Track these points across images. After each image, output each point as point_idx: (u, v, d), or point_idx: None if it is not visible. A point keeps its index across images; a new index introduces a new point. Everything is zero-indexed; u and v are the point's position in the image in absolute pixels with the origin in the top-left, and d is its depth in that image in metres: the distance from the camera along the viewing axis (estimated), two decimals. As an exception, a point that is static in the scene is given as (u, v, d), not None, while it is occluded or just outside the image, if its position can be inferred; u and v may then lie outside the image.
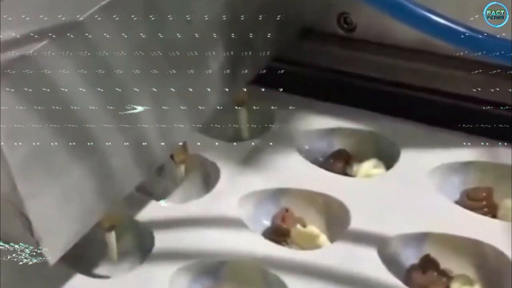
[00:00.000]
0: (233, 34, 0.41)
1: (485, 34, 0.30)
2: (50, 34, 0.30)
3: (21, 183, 0.30)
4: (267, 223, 0.41)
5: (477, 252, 0.37)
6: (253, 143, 0.46)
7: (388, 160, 0.43)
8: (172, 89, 0.38)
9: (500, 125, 0.43)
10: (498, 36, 0.30)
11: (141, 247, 0.40)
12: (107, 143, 0.34)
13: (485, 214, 0.39)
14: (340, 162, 0.44)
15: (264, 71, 0.46)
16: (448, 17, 0.29)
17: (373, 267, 0.36)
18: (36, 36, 0.31)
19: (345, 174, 0.44)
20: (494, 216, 0.40)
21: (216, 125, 0.45)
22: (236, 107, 0.47)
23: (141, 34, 0.34)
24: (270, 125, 0.47)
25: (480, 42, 0.30)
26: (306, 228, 0.40)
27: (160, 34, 0.36)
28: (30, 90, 0.30)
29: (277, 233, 0.40)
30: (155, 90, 0.36)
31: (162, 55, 0.36)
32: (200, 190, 0.44)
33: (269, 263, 0.37)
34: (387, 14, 0.29)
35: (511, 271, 0.35)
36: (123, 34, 0.33)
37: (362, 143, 0.45)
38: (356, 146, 0.45)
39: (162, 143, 0.38)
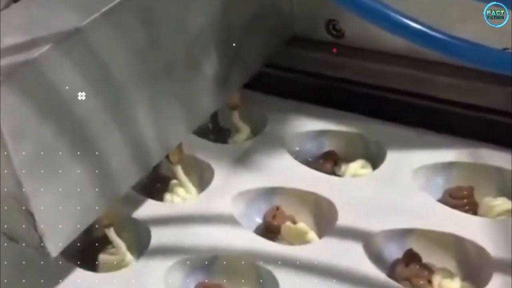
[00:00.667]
0: (226, 42, 0.43)
1: (463, 40, 0.32)
2: (53, 40, 0.32)
3: (25, 181, 0.32)
4: (259, 220, 0.43)
5: (458, 247, 0.39)
6: (246, 145, 0.47)
7: (375, 161, 0.45)
8: (168, 92, 0.39)
9: (481, 127, 0.45)
10: (477, 43, 0.32)
11: (138, 243, 0.42)
12: (106, 144, 0.36)
13: (466, 211, 0.41)
14: (329, 162, 0.46)
15: (256, 76, 0.48)
16: (425, 23, 0.31)
17: (359, 261, 0.38)
18: (39, 42, 0.32)
19: (334, 174, 0.45)
20: (475, 213, 0.41)
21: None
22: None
23: (139, 40, 0.36)
24: (263, 128, 0.48)
25: (456, 47, 0.31)
26: (296, 225, 0.42)
27: (156, 41, 0.37)
28: (34, 92, 0.31)
29: (268, 230, 0.42)
30: (152, 93, 0.38)
31: (159, 61, 0.38)
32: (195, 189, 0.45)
33: (261, 258, 0.39)
34: (367, 20, 0.31)
35: (490, 265, 0.37)
36: (122, 40, 0.35)
37: (350, 145, 0.47)
38: (345, 147, 0.47)
39: (159, 144, 0.40)
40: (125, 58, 0.35)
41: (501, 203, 0.41)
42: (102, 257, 0.41)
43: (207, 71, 0.42)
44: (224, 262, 0.39)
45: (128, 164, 0.38)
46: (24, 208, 0.32)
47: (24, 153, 0.31)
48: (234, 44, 0.44)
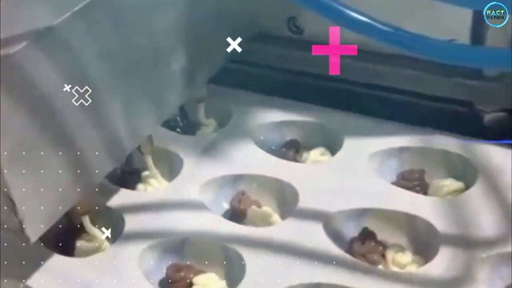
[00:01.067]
0: (193, 39, 0.45)
1: (409, 32, 0.35)
2: (28, 37, 0.34)
3: (6, 170, 0.33)
4: (226, 206, 0.45)
5: (409, 224, 0.42)
6: (212, 136, 0.50)
7: (333, 148, 0.48)
8: (138, 88, 0.41)
9: (430, 115, 0.48)
10: (423, 35, 0.35)
11: (113, 230, 0.44)
12: (82, 136, 0.38)
13: (417, 192, 0.44)
14: (291, 150, 0.49)
15: (221, 71, 0.50)
16: (373, 17, 0.34)
17: (319, 240, 0.41)
18: (15, 39, 0.34)
19: (296, 161, 0.48)
20: (425, 193, 0.45)
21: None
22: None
23: (110, 38, 0.38)
24: (228, 120, 0.51)
25: (403, 39, 0.34)
26: (261, 209, 0.44)
27: (126, 39, 0.39)
28: (11, 87, 0.33)
29: (236, 214, 0.44)
30: (124, 88, 0.40)
31: (129, 58, 0.40)
32: (165, 179, 0.48)
33: (228, 239, 0.41)
34: (322, 16, 0.34)
35: (437, 240, 0.40)
36: (94, 38, 0.37)
37: (311, 134, 0.50)
38: (305, 136, 0.50)
39: (130, 136, 0.42)
40: (98, 55, 0.37)
41: (449, 184, 0.44)
42: (79, 243, 0.43)
43: (174, 67, 0.44)
44: (194, 244, 0.42)
45: (102, 155, 0.40)
46: (5, 194, 0.34)
47: (4, 145, 0.33)
48: (201, 41, 0.46)
